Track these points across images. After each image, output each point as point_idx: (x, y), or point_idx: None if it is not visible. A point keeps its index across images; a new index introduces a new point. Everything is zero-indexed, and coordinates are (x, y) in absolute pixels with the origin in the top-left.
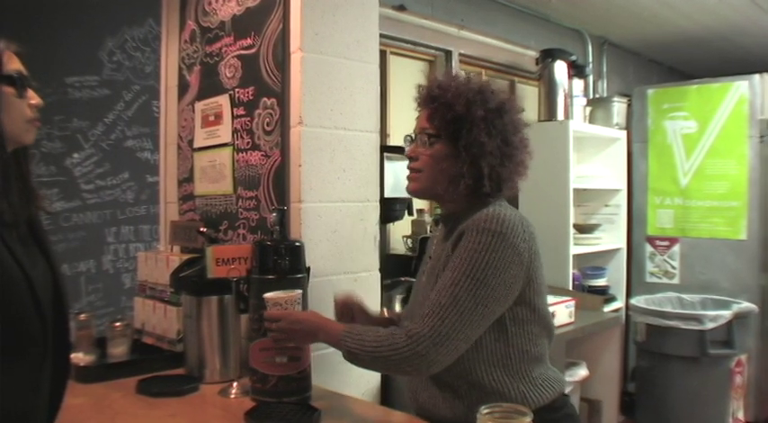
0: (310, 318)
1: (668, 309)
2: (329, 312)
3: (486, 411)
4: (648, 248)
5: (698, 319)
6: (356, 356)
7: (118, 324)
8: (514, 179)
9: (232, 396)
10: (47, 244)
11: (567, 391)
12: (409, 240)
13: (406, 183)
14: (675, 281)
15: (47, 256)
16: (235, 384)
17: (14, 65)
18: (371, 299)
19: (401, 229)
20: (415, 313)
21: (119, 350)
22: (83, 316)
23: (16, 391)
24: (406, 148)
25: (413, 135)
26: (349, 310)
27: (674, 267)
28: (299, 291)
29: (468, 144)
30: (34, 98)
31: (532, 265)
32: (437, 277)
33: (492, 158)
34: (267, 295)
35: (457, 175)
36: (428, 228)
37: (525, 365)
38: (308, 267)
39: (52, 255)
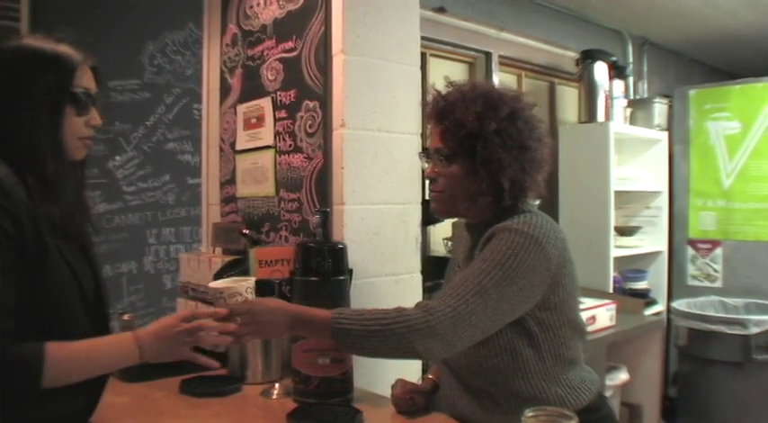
0: (283, 306)
1: (711, 313)
2: None
3: (530, 415)
4: (690, 251)
5: (742, 323)
6: (356, 339)
7: None
8: (537, 181)
9: (274, 397)
10: (91, 248)
11: (607, 394)
12: (449, 243)
13: None
14: (718, 284)
15: (90, 259)
16: (277, 385)
17: (85, 82)
18: (413, 301)
19: (442, 232)
20: None
21: None
22: (126, 316)
23: (60, 394)
24: (424, 167)
25: (428, 152)
26: (409, 398)
27: (716, 270)
28: (253, 278)
29: (485, 160)
30: (95, 119)
31: (561, 271)
32: None
33: (511, 171)
34: (216, 284)
35: (476, 193)
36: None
37: (560, 369)
38: (351, 269)
39: (95, 258)
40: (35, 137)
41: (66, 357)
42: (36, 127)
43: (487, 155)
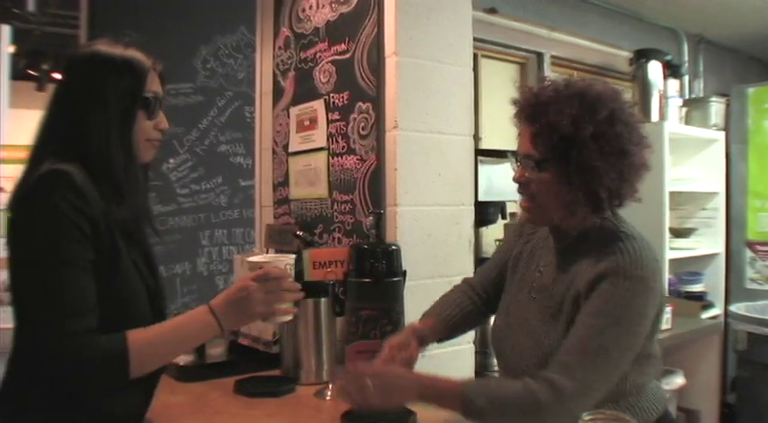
0: (410, 373)
1: None
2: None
3: (588, 418)
4: (748, 253)
5: None
6: (485, 415)
7: None
8: (635, 187)
9: (328, 398)
10: (150, 249)
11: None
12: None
13: (499, 185)
14: None
15: (149, 260)
16: (330, 386)
17: (154, 87)
18: None
19: (493, 233)
20: (514, 334)
21: (216, 351)
22: None
23: (118, 391)
24: (513, 171)
25: (518, 156)
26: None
27: None
28: (292, 255)
29: (580, 168)
30: (163, 122)
31: (661, 304)
32: (557, 309)
33: (608, 179)
34: (255, 258)
35: (571, 203)
36: None
37: (632, 396)
38: (405, 271)
39: (154, 259)
40: (109, 140)
41: (147, 342)
42: (110, 131)
43: (582, 162)
